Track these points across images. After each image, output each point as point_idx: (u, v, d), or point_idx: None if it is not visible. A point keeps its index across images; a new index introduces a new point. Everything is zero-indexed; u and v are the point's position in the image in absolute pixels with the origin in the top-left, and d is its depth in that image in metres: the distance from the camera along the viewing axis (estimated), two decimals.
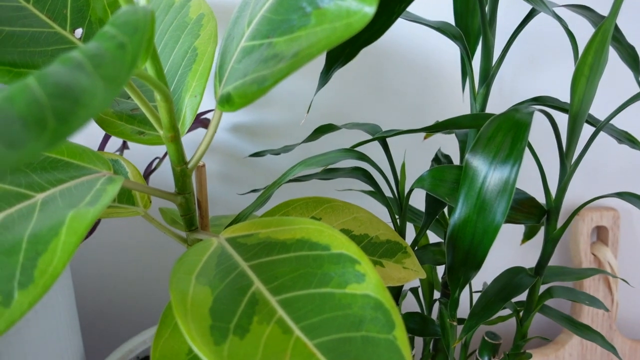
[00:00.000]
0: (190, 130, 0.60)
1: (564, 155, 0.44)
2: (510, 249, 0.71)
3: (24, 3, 0.38)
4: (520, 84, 0.63)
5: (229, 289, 0.34)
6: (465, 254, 0.40)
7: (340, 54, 0.41)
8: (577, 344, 0.67)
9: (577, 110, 0.41)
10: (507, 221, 0.46)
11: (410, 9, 0.59)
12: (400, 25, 0.61)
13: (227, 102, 0.35)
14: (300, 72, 0.62)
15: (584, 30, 0.61)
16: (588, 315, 0.67)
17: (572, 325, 0.51)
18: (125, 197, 0.46)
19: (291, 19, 0.33)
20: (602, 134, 0.66)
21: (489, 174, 0.38)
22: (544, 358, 0.66)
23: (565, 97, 0.56)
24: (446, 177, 0.43)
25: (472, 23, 0.53)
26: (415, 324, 0.50)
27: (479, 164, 0.38)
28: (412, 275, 0.45)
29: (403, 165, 0.46)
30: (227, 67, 0.37)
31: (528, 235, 0.60)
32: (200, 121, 0.60)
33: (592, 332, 0.51)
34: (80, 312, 0.77)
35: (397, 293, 0.51)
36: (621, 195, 0.44)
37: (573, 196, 0.68)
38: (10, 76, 0.35)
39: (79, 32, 0.39)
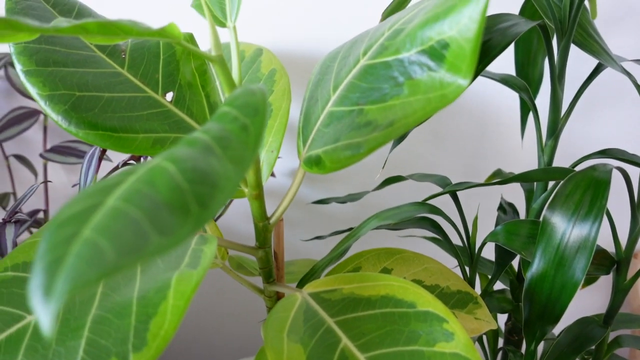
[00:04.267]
0: None
1: (636, 207, 0.44)
2: None
3: (120, 69, 0.40)
4: (581, 134, 0.64)
5: (319, 346, 0.35)
6: (542, 308, 0.41)
7: None
8: None
9: None
10: (591, 273, 0.46)
11: None
12: None
13: (316, 164, 0.36)
14: None
15: None
16: None
17: None
18: None
19: (382, 87, 0.34)
20: None
21: (568, 231, 0.39)
22: None
23: (628, 147, 0.57)
24: (520, 231, 0.43)
25: (532, 74, 0.54)
26: None
27: (557, 220, 0.39)
28: (484, 326, 0.46)
29: (476, 219, 0.47)
30: (313, 129, 0.38)
31: (588, 281, 0.60)
32: None
33: None
34: None
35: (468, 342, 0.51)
36: None
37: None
38: (111, 141, 0.37)
39: (169, 95, 0.41)
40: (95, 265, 0.18)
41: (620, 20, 0.61)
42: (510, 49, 0.57)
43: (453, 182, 0.49)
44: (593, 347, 0.51)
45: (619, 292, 0.48)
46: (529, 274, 0.40)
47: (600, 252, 0.46)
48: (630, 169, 0.50)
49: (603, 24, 0.61)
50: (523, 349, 0.58)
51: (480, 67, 0.40)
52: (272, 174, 0.62)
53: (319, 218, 0.68)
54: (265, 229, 0.42)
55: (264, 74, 0.51)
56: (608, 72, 0.62)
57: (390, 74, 0.34)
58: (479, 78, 0.63)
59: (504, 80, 0.51)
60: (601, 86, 0.62)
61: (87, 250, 0.19)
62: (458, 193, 0.67)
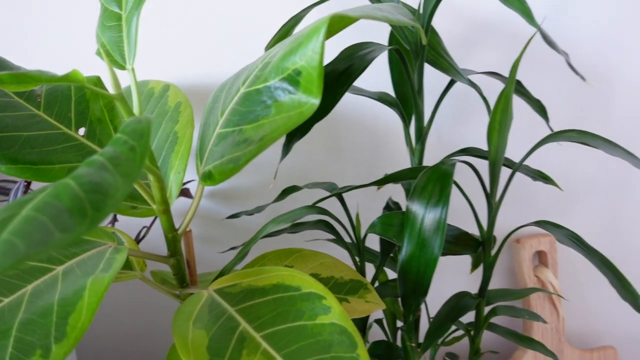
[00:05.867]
0: None
1: (489, 195, 0.53)
2: (462, 278, 0.80)
3: (36, 111, 0.46)
4: (455, 137, 0.74)
5: (221, 330, 0.42)
6: (413, 284, 0.49)
7: (297, 130, 0.50)
8: (531, 357, 0.76)
9: (494, 158, 0.51)
10: (449, 253, 0.54)
11: (356, 82, 0.69)
12: (348, 95, 0.71)
13: (208, 178, 0.43)
14: None
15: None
16: (539, 331, 0.76)
17: (517, 338, 0.60)
18: (124, 263, 0.53)
19: (256, 110, 0.42)
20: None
21: (425, 216, 0.47)
22: None
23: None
24: (393, 221, 0.51)
25: (406, 91, 0.63)
26: (382, 350, 0.58)
27: (416, 208, 0.47)
28: (373, 307, 0.53)
29: (357, 215, 0.55)
30: (207, 149, 0.45)
31: (475, 265, 0.68)
32: (181, 191, 0.68)
33: (534, 343, 0.59)
34: None
35: (363, 324, 0.58)
36: (539, 223, 0.54)
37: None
38: (31, 172, 0.43)
39: (81, 130, 0.47)
40: (10, 256, 0.25)
41: (484, 39, 0.71)
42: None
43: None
44: (474, 319, 0.59)
45: (487, 267, 0.56)
46: (400, 257, 0.48)
47: (464, 235, 0.54)
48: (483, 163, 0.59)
49: (470, 43, 0.71)
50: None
51: (345, 87, 0.49)
52: (189, 195, 0.68)
53: (235, 231, 0.75)
54: (175, 239, 0.49)
55: (171, 107, 0.58)
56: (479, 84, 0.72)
57: (261, 98, 0.42)
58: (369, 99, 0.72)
59: (380, 98, 0.59)
60: (467, 95, 0.72)
61: (3, 247, 0.25)
62: (357, 197, 0.75)
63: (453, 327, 0.63)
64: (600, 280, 0.80)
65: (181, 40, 0.69)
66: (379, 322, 0.61)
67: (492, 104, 0.66)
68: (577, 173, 0.77)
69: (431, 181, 0.47)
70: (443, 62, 0.54)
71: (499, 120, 0.49)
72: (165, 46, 0.69)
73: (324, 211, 0.53)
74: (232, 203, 0.73)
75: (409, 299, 0.49)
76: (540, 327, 0.76)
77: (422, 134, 0.56)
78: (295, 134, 0.50)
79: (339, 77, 0.49)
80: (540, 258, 0.77)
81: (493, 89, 0.71)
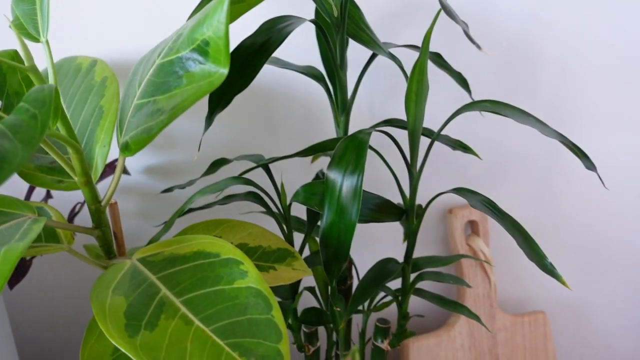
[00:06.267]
0: (107, 176, 0.68)
1: (409, 164, 0.55)
2: (398, 248, 0.83)
3: None
4: (384, 109, 0.76)
5: (141, 297, 0.43)
6: (335, 249, 0.50)
7: (219, 101, 0.51)
8: (464, 323, 0.79)
9: (412, 127, 0.53)
10: (372, 221, 0.56)
11: (285, 56, 0.70)
12: (282, 70, 0.73)
13: (126, 149, 0.44)
14: (200, 117, 0.71)
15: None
16: (470, 297, 0.79)
17: (443, 302, 0.62)
18: (51, 236, 0.54)
19: (169, 80, 0.42)
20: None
21: (343, 184, 0.49)
22: (438, 339, 0.77)
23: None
24: (316, 190, 0.53)
25: (332, 65, 0.64)
26: (312, 316, 0.60)
27: (335, 176, 0.49)
28: (300, 274, 0.55)
29: (282, 185, 0.56)
30: (125, 121, 0.46)
31: (406, 235, 0.71)
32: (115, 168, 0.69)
33: (458, 306, 0.62)
34: (21, 350, 0.82)
35: (294, 291, 0.60)
36: (457, 190, 0.56)
37: (444, 197, 0.81)
38: None
39: None
40: None
41: (412, 14, 0.73)
42: None
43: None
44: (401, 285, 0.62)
45: (411, 235, 0.58)
46: (321, 225, 0.50)
47: (386, 203, 0.56)
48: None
49: (400, 18, 0.73)
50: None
51: (263, 59, 0.50)
52: (126, 172, 0.69)
53: (172, 206, 0.76)
54: (98, 211, 0.49)
55: (97, 81, 0.58)
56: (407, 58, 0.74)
57: (174, 69, 0.42)
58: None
59: (307, 72, 0.61)
60: (394, 68, 0.74)
61: None
62: (293, 171, 0.77)
63: (383, 294, 0.66)
64: None
65: (117, 16, 0.69)
66: (311, 289, 0.63)
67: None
68: (508, 147, 0.80)
69: (348, 150, 0.49)
70: (363, 35, 0.56)
71: (415, 90, 0.51)
72: (99, 21, 0.69)
73: (249, 182, 0.55)
74: (169, 178, 0.74)
75: (331, 264, 0.51)
76: (472, 293, 0.79)
77: (345, 106, 0.57)
78: (217, 104, 0.51)
79: (258, 49, 0.50)
80: (473, 228, 0.80)
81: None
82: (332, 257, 0.51)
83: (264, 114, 0.74)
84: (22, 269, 0.65)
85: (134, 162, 0.72)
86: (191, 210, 0.58)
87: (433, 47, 0.73)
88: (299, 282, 0.60)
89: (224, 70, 0.40)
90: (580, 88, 0.79)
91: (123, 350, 0.38)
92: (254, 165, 0.71)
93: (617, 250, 0.88)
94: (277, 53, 0.69)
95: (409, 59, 0.70)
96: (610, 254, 0.88)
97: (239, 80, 0.51)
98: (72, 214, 0.67)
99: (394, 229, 0.82)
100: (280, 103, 0.74)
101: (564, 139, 0.54)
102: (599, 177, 0.55)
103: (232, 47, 0.52)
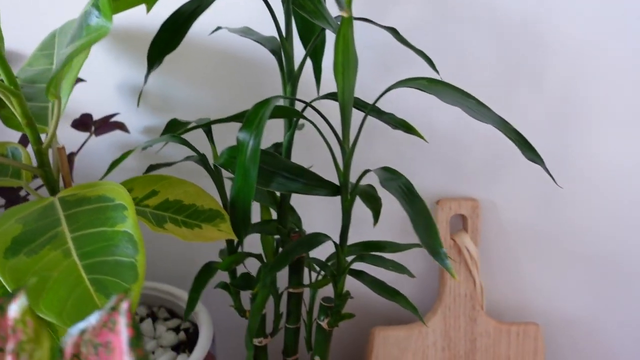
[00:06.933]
0: (105, 132, 0.74)
1: (342, 140, 0.54)
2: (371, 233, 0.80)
3: None
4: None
5: (39, 228, 0.47)
6: (242, 212, 0.51)
7: (155, 59, 0.55)
8: (440, 321, 0.75)
9: (342, 99, 0.52)
10: (306, 193, 0.56)
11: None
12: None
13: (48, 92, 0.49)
14: (197, 83, 0.74)
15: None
16: (450, 295, 0.75)
17: (380, 288, 0.60)
18: (15, 174, 0.61)
19: (78, 32, 0.46)
20: None
21: (249, 146, 0.49)
22: (408, 332, 0.74)
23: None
24: (235, 154, 0.54)
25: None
26: (243, 281, 0.61)
27: (244, 137, 0.50)
28: (224, 235, 0.56)
29: (213, 148, 0.58)
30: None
31: (375, 218, 0.69)
32: (115, 124, 0.75)
33: (398, 296, 0.60)
34: None
35: (233, 251, 0.62)
36: (382, 169, 0.54)
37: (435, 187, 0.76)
38: None
39: None
40: None
41: None
42: None
43: None
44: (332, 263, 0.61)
45: (344, 212, 0.57)
46: (232, 189, 0.51)
47: (320, 179, 0.56)
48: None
49: None
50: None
51: (189, 24, 0.52)
52: (126, 130, 0.74)
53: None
54: (40, 152, 0.55)
55: None
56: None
57: (81, 23, 0.46)
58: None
59: (261, 41, 0.61)
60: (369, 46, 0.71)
61: None
62: None
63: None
64: (533, 254, 0.77)
65: None
66: (258, 257, 0.64)
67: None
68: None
69: (257, 113, 0.50)
70: (309, 5, 0.55)
71: (341, 61, 0.50)
72: None
73: (185, 142, 0.57)
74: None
75: (239, 226, 0.52)
76: (453, 291, 0.75)
77: (291, 77, 0.58)
78: (153, 63, 0.55)
79: (189, 15, 0.53)
80: (463, 223, 0.75)
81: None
82: (240, 219, 0.52)
83: (222, 81, 0.74)
84: None
85: (135, 121, 0.77)
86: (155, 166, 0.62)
87: (434, 27, 0.70)
88: (236, 247, 0.62)
89: (110, 24, 0.43)
90: (593, 79, 0.71)
91: None
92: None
93: (631, 260, 0.78)
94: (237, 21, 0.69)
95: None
96: (623, 264, 0.78)
97: (171, 42, 0.54)
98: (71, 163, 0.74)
99: (393, 218, 0.80)
100: (236, 70, 0.74)
101: (504, 125, 0.51)
102: (548, 173, 0.51)
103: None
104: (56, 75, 0.47)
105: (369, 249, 0.61)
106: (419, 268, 0.80)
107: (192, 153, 0.60)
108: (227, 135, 0.69)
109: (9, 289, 0.42)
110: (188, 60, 0.74)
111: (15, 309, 0.34)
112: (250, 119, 0.50)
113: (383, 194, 0.56)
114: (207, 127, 0.59)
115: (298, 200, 0.74)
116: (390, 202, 0.63)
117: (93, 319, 0.35)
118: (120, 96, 0.76)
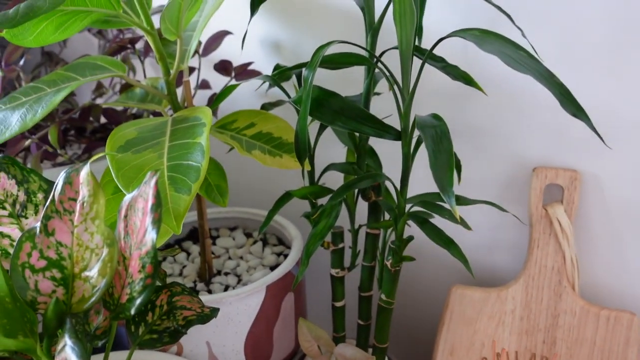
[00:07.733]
0: (243, 78, 0.87)
1: (401, 88, 0.59)
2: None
3: None
4: None
5: (149, 137, 0.61)
6: (301, 140, 0.59)
7: (254, 9, 0.64)
8: (522, 290, 0.73)
9: (401, 48, 0.56)
10: (358, 132, 0.61)
11: None
12: None
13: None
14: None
15: None
16: (536, 266, 0.72)
17: (435, 234, 0.63)
18: (158, 101, 0.76)
19: None
20: None
21: (307, 81, 0.56)
22: (486, 295, 0.74)
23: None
24: None
25: None
26: (316, 211, 0.69)
27: (305, 74, 0.57)
28: (298, 165, 0.65)
29: (297, 91, 0.65)
30: None
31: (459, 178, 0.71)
32: (252, 72, 0.87)
33: (452, 244, 0.62)
34: None
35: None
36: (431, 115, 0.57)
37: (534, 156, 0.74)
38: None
39: None
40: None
41: None
42: None
43: None
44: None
45: (404, 159, 0.62)
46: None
47: (381, 123, 0.60)
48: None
49: None
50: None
51: None
52: (254, 74, 0.86)
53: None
54: (168, 83, 0.69)
55: None
56: None
57: None
58: None
59: None
60: None
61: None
62: None
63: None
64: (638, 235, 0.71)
65: None
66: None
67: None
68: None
69: (317, 54, 0.56)
70: None
71: (399, 10, 0.54)
72: None
73: (276, 82, 0.66)
74: None
75: (300, 152, 0.60)
76: (539, 262, 0.72)
77: (371, 29, 0.63)
78: (253, 12, 0.65)
79: None
80: (562, 195, 0.72)
81: None
82: (300, 146, 0.59)
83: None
84: None
85: (269, 71, 0.89)
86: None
87: None
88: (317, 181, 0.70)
89: None
90: None
91: (106, 156, 0.57)
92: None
93: None
94: None
95: None
96: None
97: None
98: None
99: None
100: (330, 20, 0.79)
101: (549, 78, 0.51)
102: (594, 130, 0.49)
103: None
104: (175, 15, 0.59)
105: (433, 198, 0.64)
106: (510, 237, 0.79)
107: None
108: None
109: (114, 175, 0.56)
110: (315, 18, 0.83)
111: (83, 173, 0.47)
112: (312, 59, 0.57)
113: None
114: (296, 69, 0.67)
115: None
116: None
117: (135, 191, 0.47)
118: (261, 49, 0.89)
